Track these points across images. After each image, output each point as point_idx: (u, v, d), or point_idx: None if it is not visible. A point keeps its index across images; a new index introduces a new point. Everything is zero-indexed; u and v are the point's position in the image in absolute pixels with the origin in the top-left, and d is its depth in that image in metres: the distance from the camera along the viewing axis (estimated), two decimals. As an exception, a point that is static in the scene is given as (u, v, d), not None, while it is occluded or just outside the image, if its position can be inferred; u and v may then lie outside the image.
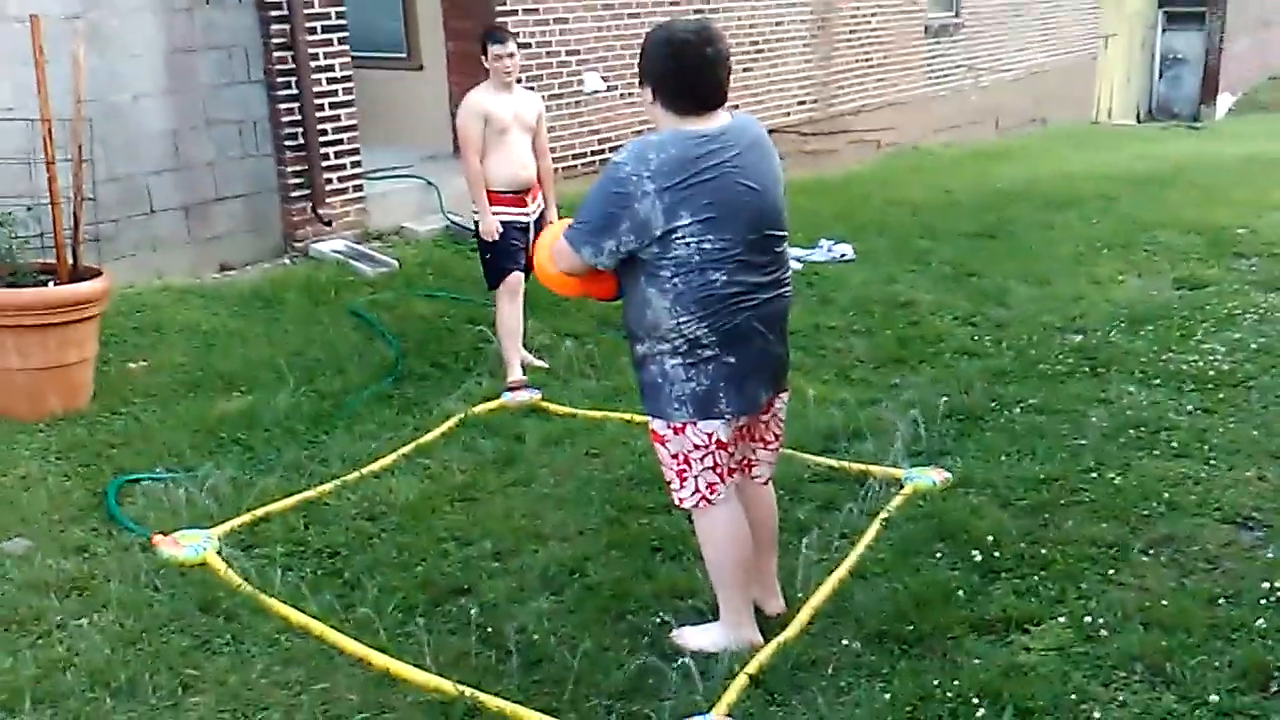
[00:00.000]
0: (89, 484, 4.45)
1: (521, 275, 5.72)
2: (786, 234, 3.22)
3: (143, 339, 6.00)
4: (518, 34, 6.74)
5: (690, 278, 3.03)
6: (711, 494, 3.25)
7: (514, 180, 5.68)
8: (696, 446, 3.19)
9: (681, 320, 3.06)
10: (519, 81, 5.81)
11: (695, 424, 3.16)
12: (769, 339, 3.20)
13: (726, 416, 3.17)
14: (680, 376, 3.12)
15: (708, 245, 3.01)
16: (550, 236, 3.33)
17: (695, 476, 3.23)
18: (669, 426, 3.20)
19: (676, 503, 3.33)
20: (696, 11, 10.06)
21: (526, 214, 5.75)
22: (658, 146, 2.99)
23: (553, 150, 6.04)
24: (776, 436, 3.45)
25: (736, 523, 3.31)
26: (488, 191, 5.65)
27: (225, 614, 3.58)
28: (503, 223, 5.68)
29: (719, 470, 3.23)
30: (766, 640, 3.36)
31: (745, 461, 3.42)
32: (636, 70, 3.15)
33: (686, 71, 3.01)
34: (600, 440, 4.94)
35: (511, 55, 5.61)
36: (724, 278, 3.04)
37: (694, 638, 3.39)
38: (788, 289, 3.25)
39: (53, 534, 4.07)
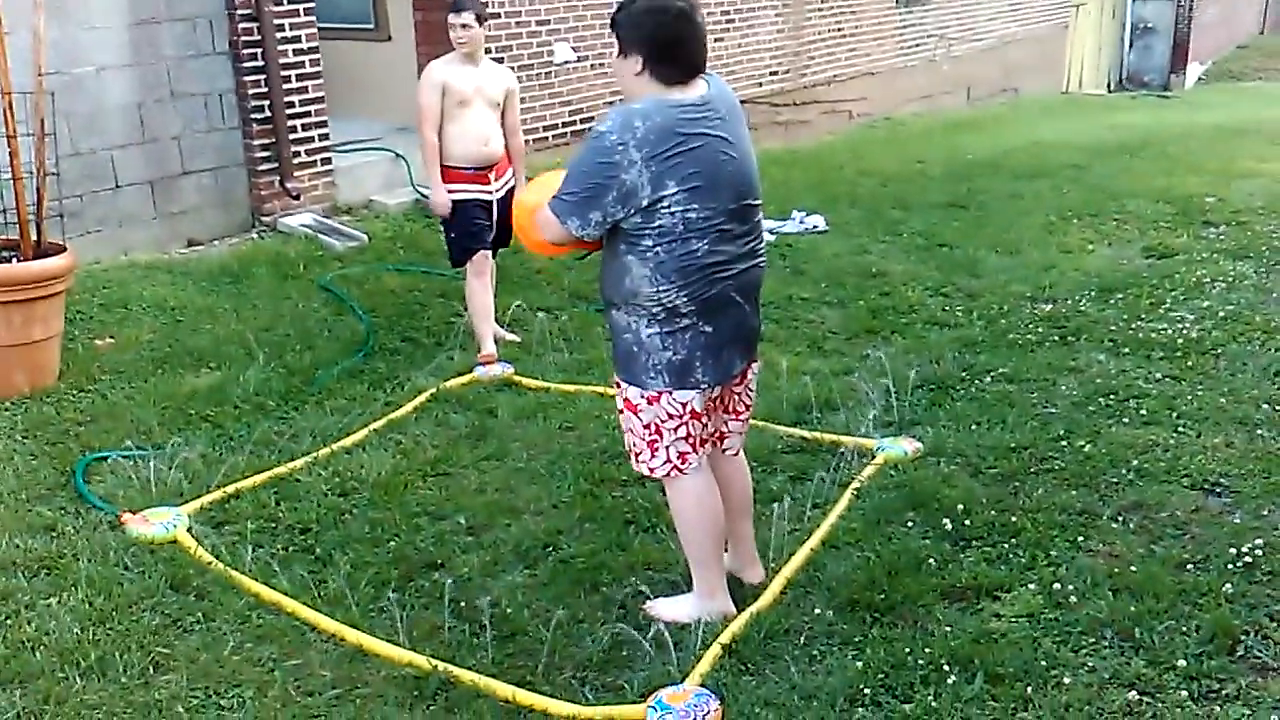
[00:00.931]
0: (57, 462, 4.41)
1: (488, 252, 5.65)
2: (761, 203, 3.23)
3: (109, 316, 5.94)
4: (486, 4, 6.67)
5: (672, 246, 3.02)
6: (683, 463, 3.25)
7: (474, 156, 5.51)
8: (670, 416, 3.18)
9: (661, 289, 3.05)
10: (489, 54, 5.68)
11: (670, 393, 3.15)
12: (745, 309, 3.21)
13: (702, 386, 3.18)
14: (657, 346, 3.12)
15: (692, 214, 3.00)
16: (532, 197, 3.25)
17: (667, 446, 3.22)
18: (643, 395, 3.19)
19: (647, 472, 3.32)
20: (667, -19, 9.98)
21: (489, 191, 5.59)
22: (643, 115, 2.97)
23: (523, 122, 5.92)
24: (747, 407, 3.46)
25: (708, 493, 3.31)
26: (446, 167, 5.50)
27: (196, 591, 3.56)
28: (463, 200, 5.53)
29: (691, 440, 3.23)
30: (739, 610, 3.37)
31: (717, 434, 3.42)
32: (615, 39, 3.10)
33: (679, 40, 3.02)
34: (573, 414, 4.93)
35: (467, 26, 5.39)
36: (705, 246, 3.04)
37: (668, 609, 3.40)
38: (763, 259, 3.26)
39: (20, 513, 4.03)
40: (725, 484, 3.43)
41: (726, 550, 3.51)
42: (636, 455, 3.30)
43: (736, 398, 3.40)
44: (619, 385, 3.27)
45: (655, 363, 3.14)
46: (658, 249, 3.03)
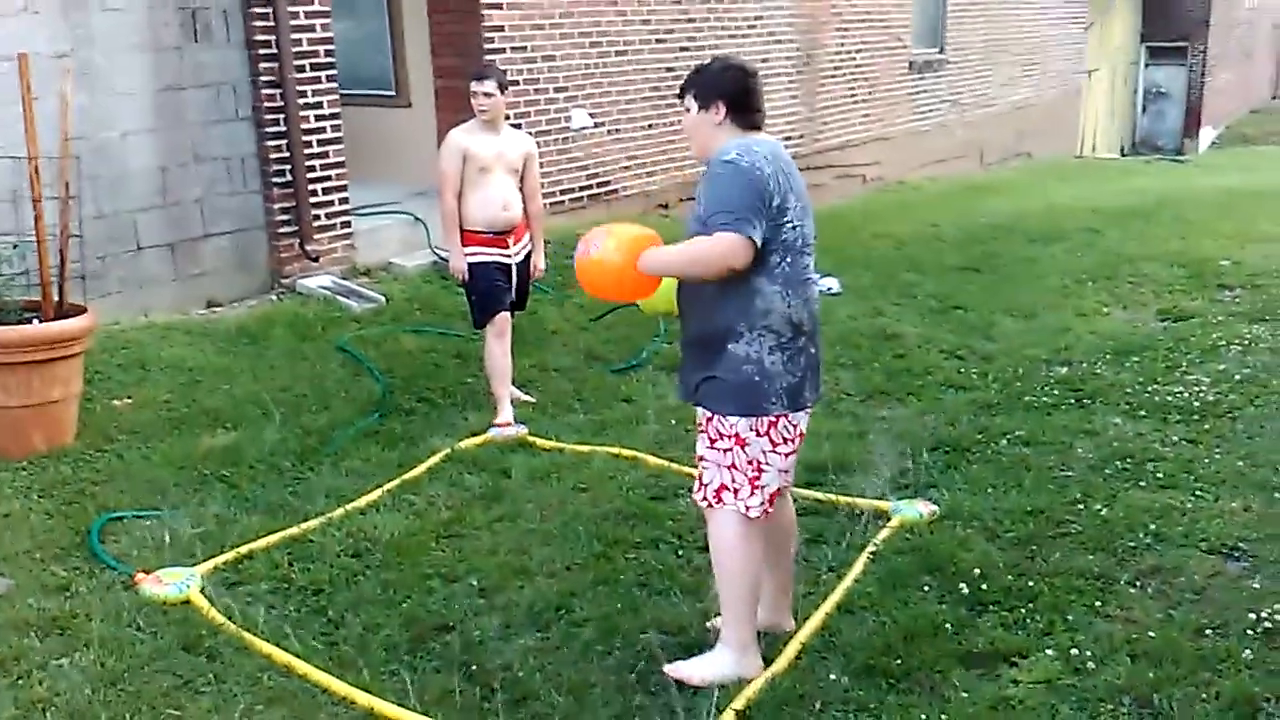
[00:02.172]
0: (72, 522, 4.42)
1: (507, 315, 5.70)
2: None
3: (128, 376, 5.98)
4: (505, 71, 6.77)
5: (793, 260, 3.25)
6: (771, 505, 3.33)
7: (494, 221, 5.59)
8: (784, 440, 3.29)
9: (791, 303, 3.24)
10: (508, 120, 5.77)
11: (788, 415, 3.28)
12: (819, 330, 3.43)
13: (809, 407, 3.36)
14: (780, 370, 3.25)
15: (806, 230, 3.30)
16: (624, 246, 3.31)
17: (764, 486, 3.29)
18: (752, 428, 3.25)
19: (743, 510, 3.29)
20: (682, 49, 10.15)
21: (507, 255, 5.66)
22: (755, 142, 3.27)
23: (540, 186, 5.98)
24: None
25: (760, 545, 3.38)
26: (467, 231, 5.58)
27: (208, 653, 3.55)
28: (483, 263, 5.60)
29: (784, 476, 3.35)
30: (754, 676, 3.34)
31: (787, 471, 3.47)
32: (696, 95, 3.34)
33: (755, 93, 3.37)
34: (587, 475, 4.93)
35: (490, 95, 5.50)
36: (808, 262, 3.32)
37: (698, 669, 3.35)
38: None
39: (35, 572, 4.04)
40: (784, 522, 3.54)
41: (760, 602, 3.52)
42: (736, 493, 3.30)
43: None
44: (713, 421, 3.28)
45: (779, 387, 3.25)
46: (784, 264, 3.22)
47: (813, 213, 3.39)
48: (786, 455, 3.34)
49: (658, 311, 3.62)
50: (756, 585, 3.38)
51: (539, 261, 5.90)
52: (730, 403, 3.26)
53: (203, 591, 3.86)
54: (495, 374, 5.66)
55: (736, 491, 3.31)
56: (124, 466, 4.95)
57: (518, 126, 8.01)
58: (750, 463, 3.28)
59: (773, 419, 3.27)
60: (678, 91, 3.46)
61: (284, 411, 5.57)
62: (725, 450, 3.29)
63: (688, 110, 3.38)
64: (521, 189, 5.71)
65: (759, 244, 3.14)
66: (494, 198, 5.57)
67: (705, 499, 3.36)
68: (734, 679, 3.30)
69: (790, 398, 3.27)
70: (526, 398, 5.89)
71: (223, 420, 5.49)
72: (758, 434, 3.26)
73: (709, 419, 3.31)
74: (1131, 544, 4.11)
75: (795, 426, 3.32)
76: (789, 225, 3.22)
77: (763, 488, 3.30)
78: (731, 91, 3.33)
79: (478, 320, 5.74)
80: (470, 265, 5.62)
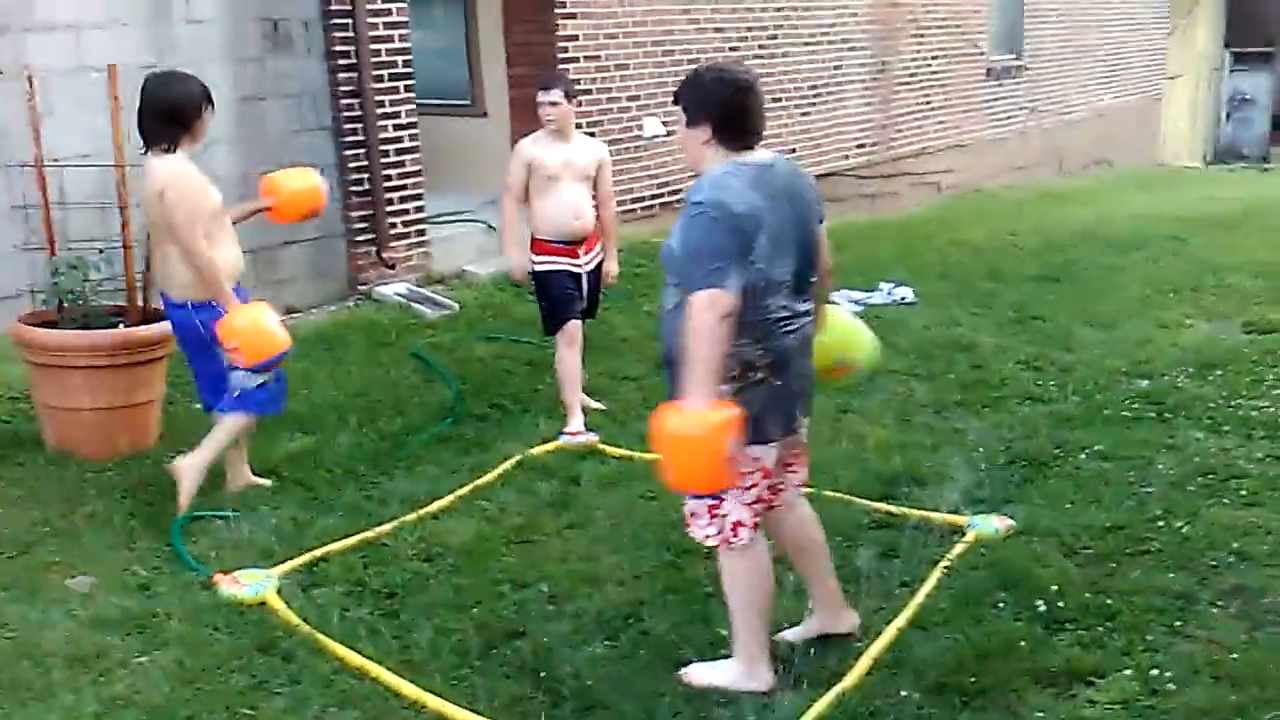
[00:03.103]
0: (154, 523, 4.52)
1: (578, 323, 5.70)
2: (817, 265, 3.34)
3: (209, 380, 6.09)
4: (578, 80, 6.80)
5: (753, 304, 3.11)
6: (735, 535, 3.27)
7: (563, 230, 5.58)
8: (740, 474, 3.18)
9: (740, 343, 3.12)
10: (580, 129, 5.78)
11: (745, 449, 3.17)
12: (805, 360, 3.32)
13: (773, 440, 3.24)
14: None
15: (774, 272, 3.13)
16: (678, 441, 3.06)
17: (724, 515, 3.25)
18: None
19: (700, 538, 3.34)
20: (755, 57, 10.12)
21: (578, 265, 5.66)
22: (731, 174, 3.13)
23: (613, 194, 5.97)
24: (800, 456, 3.51)
25: (759, 566, 3.34)
26: (537, 240, 5.61)
27: (283, 654, 3.60)
28: (553, 271, 5.62)
29: (753, 508, 3.26)
30: (824, 690, 3.31)
31: (780, 489, 3.45)
32: (685, 108, 3.24)
33: (747, 111, 3.20)
34: (656, 483, 4.90)
35: (555, 104, 5.49)
36: (778, 301, 3.17)
37: (706, 675, 3.39)
38: (814, 317, 3.37)
39: (116, 572, 4.14)
40: (799, 533, 3.51)
41: (810, 609, 3.57)
42: (694, 516, 3.33)
43: (791, 452, 3.45)
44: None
45: None
46: (740, 305, 3.07)
47: (810, 240, 3.23)
48: (753, 501, 3.24)
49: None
50: (759, 604, 3.35)
51: (611, 268, 5.91)
52: None
53: (279, 593, 3.93)
54: (566, 381, 5.69)
55: (695, 516, 3.30)
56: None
57: (591, 135, 8.04)
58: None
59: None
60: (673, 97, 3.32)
61: (359, 416, 5.65)
62: None
63: (680, 121, 3.26)
64: (594, 196, 5.73)
65: (737, 290, 3.02)
66: (563, 207, 5.57)
67: (685, 521, 3.38)
68: (741, 689, 3.31)
69: (747, 430, 3.11)
70: (597, 405, 5.91)
71: (301, 424, 5.57)
72: None
73: None
74: (1213, 563, 4.01)
75: (757, 460, 3.21)
76: (754, 267, 3.07)
77: (724, 518, 3.24)
78: (718, 110, 3.17)
79: (548, 328, 5.77)
80: (541, 274, 5.65)
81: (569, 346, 5.68)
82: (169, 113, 4.40)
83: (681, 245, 3.12)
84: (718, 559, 3.39)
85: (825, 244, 3.42)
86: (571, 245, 5.64)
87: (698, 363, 3.01)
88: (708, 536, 3.31)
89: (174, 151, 4.43)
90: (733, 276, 3.03)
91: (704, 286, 3.02)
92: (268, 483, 4.88)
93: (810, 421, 3.56)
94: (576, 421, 5.57)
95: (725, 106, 3.18)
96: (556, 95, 5.52)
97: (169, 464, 4.61)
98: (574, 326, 5.68)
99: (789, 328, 3.21)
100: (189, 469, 4.55)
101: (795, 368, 3.26)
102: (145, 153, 4.47)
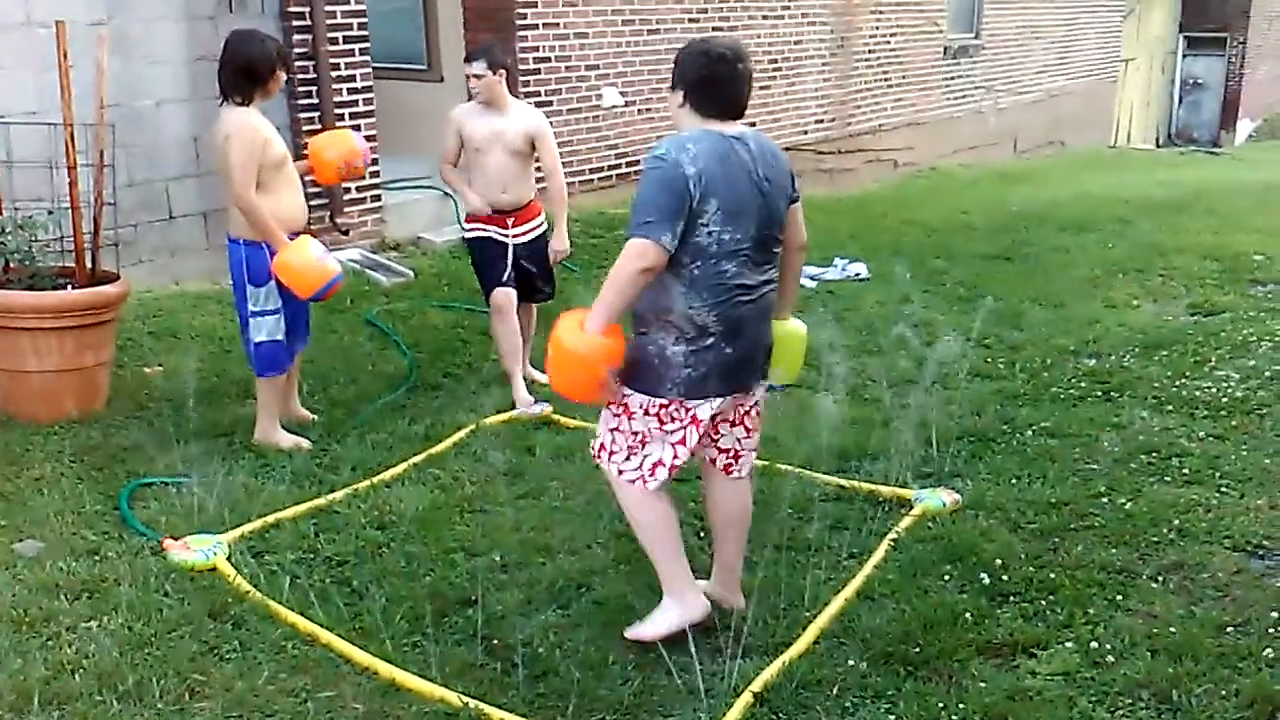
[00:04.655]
0: (102, 487, 4.48)
1: (510, 292, 5.60)
2: (782, 239, 3.41)
3: (159, 344, 6.04)
4: (536, 48, 6.73)
5: (706, 266, 3.20)
6: (652, 475, 3.36)
7: (490, 202, 5.52)
8: (672, 420, 3.30)
9: (693, 306, 3.22)
10: (533, 99, 5.72)
11: (682, 401, 3.28)
12: (760, 330, 3.39)
13: (712, 397, 3.32)
14: (679, 362, 3.26)
15: (726, 237, 3.20)
16: (570, 332, 3.27)
17: (646, 455, 3.34)
18: (643, 405, 3.31)
19: (615, 473, 3.41)
20: (715, 28, 10.10)
21: (505, 234, 5.58)
22: (692, 139, 3.21)
23: (569, 165, 5.91)
24: (757, 426, 3.57)
25: (658, 499, 3.42)
26: (468, 212, 5.62)
27: (233, 620, 3.59)
28: (478, 238, 5.59)
29: (678, 450, 3.33)
30: (771, 659, 3.36)
31: (732, 452, 3.53)
32: (672, 76, 3.36)
33: (719, 81, 3.29)
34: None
35: (480, 76, 5.39)
36: (733, 269, 3.24)
37: (650, 628, 3.45)
38: (775, 287, 3.43)
39: (64, 536, 4.10)
40: (725, 504, 3.59)
41: (711, 576, 3.66)
42: (611, 455, 3.40)
43: (749, 415, 3.52)
44: (620, 387, 3.35)
45: (675, 377, 3.27)
46: (693, 267, 3.20)
47: (773, 215, 3.30)
48: (678, 442, 3.33)
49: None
50: (669, 534, 3.45)
51: (559, 245, 5.78)
52: (630, 375, 3.33)
53: (229, 559, 3.91)
54: (503, 351, 5.65)
55: (612, 454, 3.40)
56: (154, 433, 5.00)
57: (548, 104, 7.99)
58: (635, 434, 3.35)
59: (664, 402, 3.30)
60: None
61: (312, 383, 5.61)
62: (615, 415, 3.39)
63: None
64: (538, 168, 5.64)
65: (670, 246, 3.12)
66: (489, 179, 5.51)
67: (593, 451, 3.49)
68: (682, 625, 3.38)
69: (688, 386, 3.27)
70: (541, 377, 5.87)
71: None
72: (645, 412, 3.32)
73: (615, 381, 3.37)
74: (1155, 539, 4.10)
75: (688, 412, 3.31)
76: (705, 230, 3.16)
77: (645, 457, 3.35)
78: (691, 78, 3.30)
79: (485, 296, 5.73)
80: (469, 239, 5.65)
81: (498, 315, 5.62)
82: (246, 69, 4.63)
83: (636, 195, 3.21)
84: (618, 499, 3.48)
85: (799, 221, 3.49)
86: (499, 215, 5.58)
87: (605, 302, 3.17)
88: (622, 471, 3.39)
89: (247, 105, 4.66)
90: (667, 234, 3.11)
91: (638, 236, 3.13)
92: (313, 416, 5.22)
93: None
94: (520, 390, 5.56)
95: (700, 75, 3.28)
96: (479, 68, 5.43)
97: (252, 441, 4.93)
98: (502, 294, 5.59)
99: (745, 297, 3.28)
100: (262, 439, 4.92)
101: (749, 335, 3.33)
102: (221, 103, 4.69)
